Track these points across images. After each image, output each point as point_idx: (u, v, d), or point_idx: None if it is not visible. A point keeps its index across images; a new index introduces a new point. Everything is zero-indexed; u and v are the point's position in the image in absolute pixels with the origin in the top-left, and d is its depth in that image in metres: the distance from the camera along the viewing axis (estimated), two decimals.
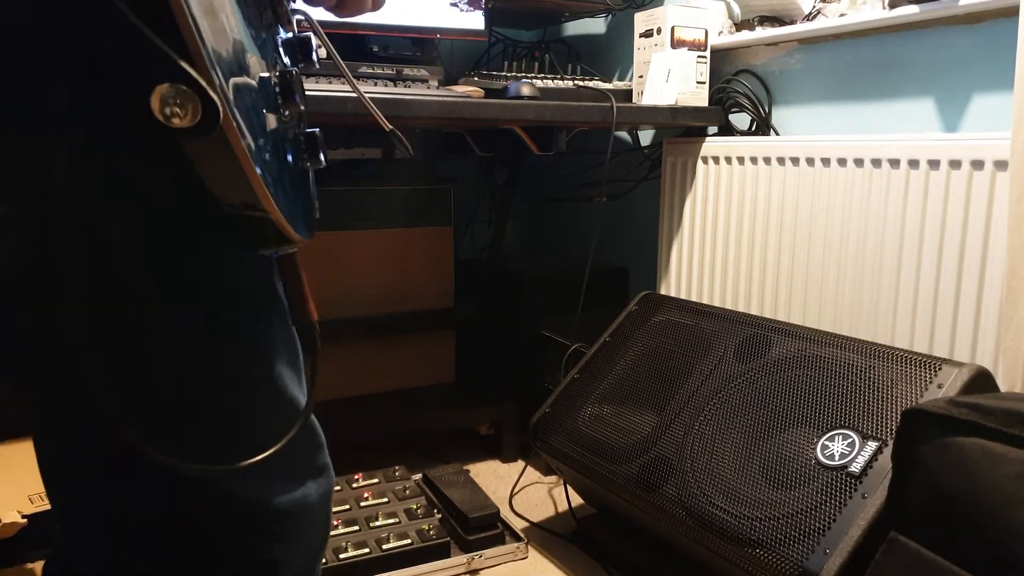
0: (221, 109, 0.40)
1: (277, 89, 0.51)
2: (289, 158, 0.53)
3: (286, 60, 0.58)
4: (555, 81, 1.61)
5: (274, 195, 0.46)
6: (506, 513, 1.48)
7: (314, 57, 0.59)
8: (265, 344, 0.54)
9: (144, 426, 0.47)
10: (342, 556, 1.21)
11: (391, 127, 0.73)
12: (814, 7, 1.42)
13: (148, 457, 0.46)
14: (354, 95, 1.17)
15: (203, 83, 0.39)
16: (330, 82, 1.29)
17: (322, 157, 0.56)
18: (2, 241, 0.45)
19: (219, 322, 0.51)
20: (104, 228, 0.45)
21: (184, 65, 0.38)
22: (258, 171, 0.44)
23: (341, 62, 0.65)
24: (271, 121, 0.50)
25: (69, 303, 0.45)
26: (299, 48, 0.59)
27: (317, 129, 0.56)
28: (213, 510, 0.53)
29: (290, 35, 0.59)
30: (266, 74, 0.51)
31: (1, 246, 0.45)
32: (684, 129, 1.70)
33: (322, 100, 1.14)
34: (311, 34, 0.60)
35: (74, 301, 0.45)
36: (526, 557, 1.35)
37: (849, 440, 1.00)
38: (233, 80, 0.43)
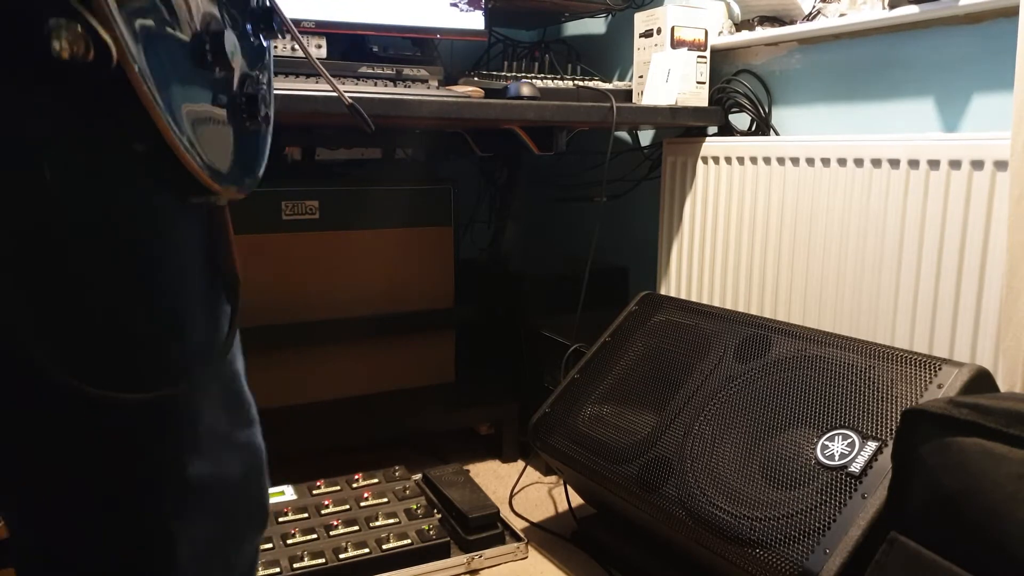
0: (114, 49, 0.43)
1: (207, 47, 0.53)
2: (225, 114, 0.55)
3: (247, 27, 0.60)
4: (555, 81, 1.61)
5: (188, 140, 0.49)
6: (506, 513, 1.48)
7: (274, 26, 0.61)
8: (186, 294, 0.55)
9: (55, 353, 0.48)
10: (342, 556, 1.21)
11: (350, 101, 0.74)
12: (814, 7, 1.42)
13: (52, 375, 0.47)
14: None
15: (94, 22, 0.42)
16: (319, 81, 1.29)
17: (261, 118, 0.59)
18: None
19: (135, 260, 0.51)
20: (35, 165, 0.46)
21: (76, 5, 0.41)
22: (167, 117, 0.47)
23: (294, 29, 0.67)
24: (199, 77, 0.52)
25: None
26: (260, 16, 0.61)
27: (262, 88, 0.59)
28: (123, 473, 0.53)
29: (253, 3, 0.60)
30: (201, 32, 0.53)
31: None
32: (684, 129, 1.70)
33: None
34: (269, 5, 0.62)
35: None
36: (526, 557, 1.35)
37: (849, 440, 1.00)
38: (140, 23, 0.45)
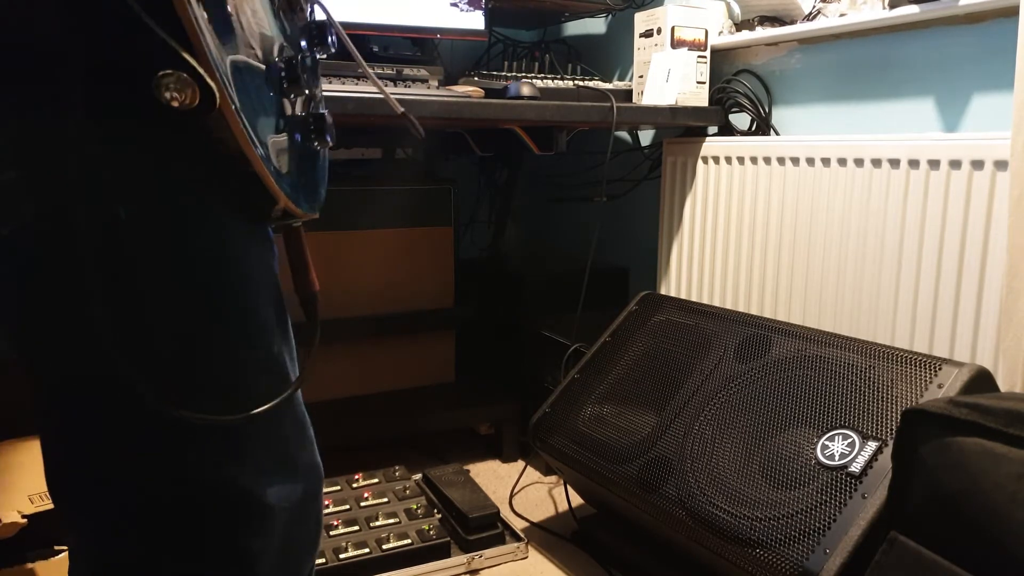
0: (218, 94, 0.44)
1: (283, 74, 0.54)
2: (297, 137, 0.56)
3: (303, 44, 0.60)
4: (555, 81, 1.61)
5: (275, 170, 0.50)
6: (506, 513, 1.48)
7: (329, 41, 0.61)
8: (261, 317, 0.56)
9: (149, 387, 0.49)
10: (342, 556, 1.21)
11: (403, 109, 0.75)
12: (814, 7, 1.42)
13: (157, 406, 0.48)
14: (355, 95, 1.17)
15: (201, 70, 0.43)
16: (330, 82, 1.29)
17: (329, 138, 0.59)
18: (12, 206, 0.48)
19: (219, 295, 0.53)
20: (111, 203, 0.48)
21: (184, 54, 0.43)
22: (259, 151, 0.48)
23: (350, 43, 0.66)
24: (277, 104, 0.53)
25: (83, 274, 0.48)
26: (315, 32, 0.61)
27: (325, 112, 0.59)
28: (209, 494, 0.54)
29: (306, 21, 0.61)
30: (275, 58, 0.53)
31: (11, 211, 0.48)
32: (684, 129, 1.70)
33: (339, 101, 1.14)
34: (323, 21, 0.62)
35: (86, 273, 0.48)
36: (526, 557, 1.35)
37: (849, 440, 1.00)
38: (232, 61, 0.47)
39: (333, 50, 0.62)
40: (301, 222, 0.58)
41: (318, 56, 0.62)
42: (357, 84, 1.43)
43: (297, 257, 0.60)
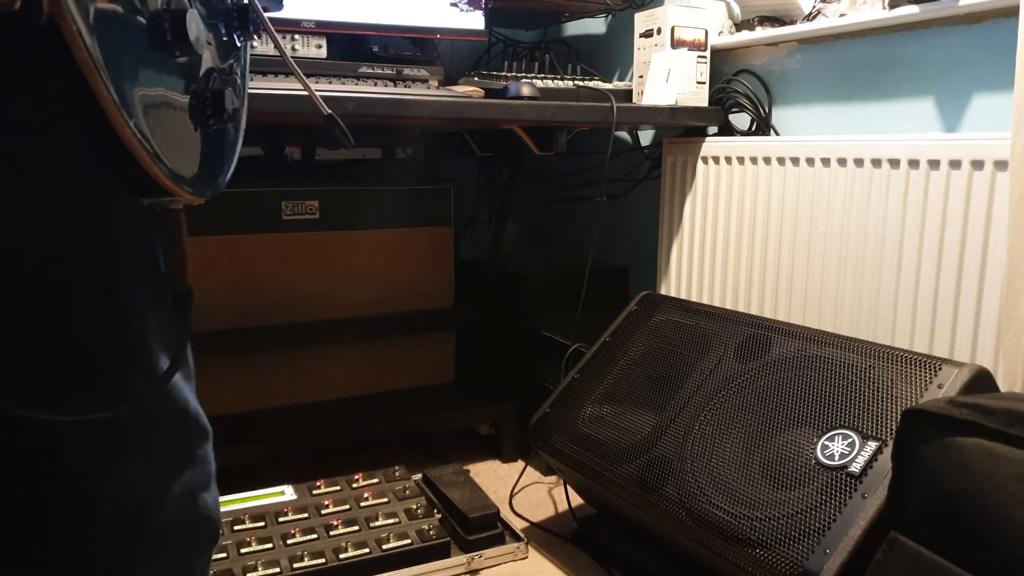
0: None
1: (167, 25, 0.47)
2: (185, 106, 0.50)
3: (221, 27, 0.55)
4: (555, 81, 1.61)
5: (138, 130, 0.43)
6: (506, 513, 1.48)
7: (251, 26, 0.56)
8: (132, 294, 0.51)
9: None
10: (342, 556, 1.21)
11: (329, 111, 0.71)
12: (814, 7, 1.42)
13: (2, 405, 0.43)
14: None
15: None
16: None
17: (227, 115, 0.53)
18: None
19: (83, 263, 0.47)
20: None
21: None
22: (111, 90, 0.41)
23: (271, 29, 0.61)
24: (163, 66, 0.47)
25: None
26: (236, 15, 0.56)
27: (227, 89, 0.53)
28: (65, 493, 0.49)
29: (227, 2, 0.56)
30: (161, 11, 0.47)
31: None
32: (684, 129, 1.70)
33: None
34: (244, 3, 0.57)
35: None
36: (526, 557, 1.35)
37: (849, 440, 1.00)
38: (96, 5, 0.40)
39: (257, 37, 0.57)
40: (180, 204, 0.51)
41: (242, 42, 0.57)
42: (357, 84, 1.43)
43: (175, 244, 0.53)
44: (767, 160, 1.45)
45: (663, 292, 1.71)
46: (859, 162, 1.29)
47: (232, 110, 0.54)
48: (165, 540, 0.55)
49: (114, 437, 0.50)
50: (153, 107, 0.46)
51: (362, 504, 1.36)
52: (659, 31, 1.54)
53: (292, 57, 1.34)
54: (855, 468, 0.96)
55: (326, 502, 1.35)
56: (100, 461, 0.50)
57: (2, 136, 0.42)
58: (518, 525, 1.44)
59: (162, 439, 0.55)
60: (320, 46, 1.47)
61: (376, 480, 1.45)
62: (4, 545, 0.49)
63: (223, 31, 0.56)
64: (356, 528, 1.29)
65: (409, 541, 1.26)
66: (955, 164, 1.16)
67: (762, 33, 1.50)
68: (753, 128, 1.58)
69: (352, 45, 1.56)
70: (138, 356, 0.51)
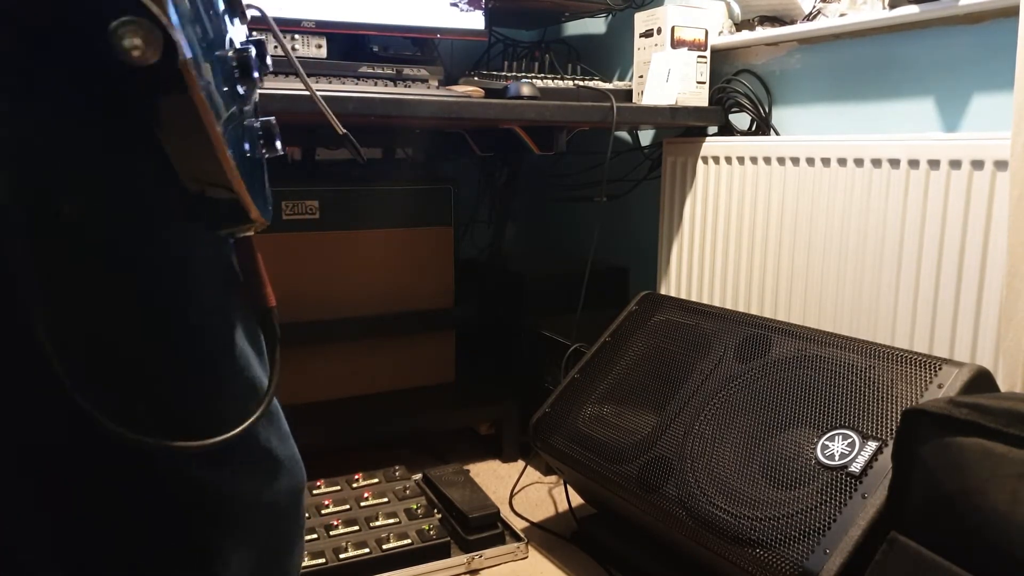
0: (180, 50, 0.38)
1: (234, 65, 0.48)
2: (246, 145, 0.51)
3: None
4: (555, 81, 1.61)
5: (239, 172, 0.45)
6: (506, 513, 1.48)
7: (268, 61, 0.56)
8: (226, 322, 0.52)
9: (101, 401, 0.44)
10: (342, 556, 1.21)
11: (344, 130, 0.71)
12: (814, 7, 1.42)
13: (106, 428, 0.43)
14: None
15: (164, 19, 0.38)
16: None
17: (278, 145, 0.54)
18: None
19: (176, 300, 0.49)
20: (56, 197, 0.43)
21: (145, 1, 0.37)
22: (228, 149, 0.43)
23: (294, 58, 0.62)
24: (230, 101, 0.48)
25: (18, 272, 0.42)
26: (256, 48, 0.56)
27: (272, 117, 0.54)
28: (170, 492, 0.50)
29: (242, 38, 0.56)
30: (223, 52, 0.48)
31: None
32: (684, 129, 1.70)
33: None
34: (262, 38, 0.57)
35: (23, 270, 0.42)
36: (526, 557, 1.35)
37: (849, 440, 1.00)
38: (190, 31, 0.41)
39: (269, 70, 0.57)
40: (252, 231, 0.53)
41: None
42: (357, 84, 1.43)
43: (252, 269, 0.55)
44: (767, 160, 1.45)
45: (663, 292, 1.71)
46: (859, 162, 1.29)
47: (276, 139, 0.56)
48: (272, 534, 0.58)
49: (230, 449, 0.52)
50: (238, 153, 0.47)
51: (362, 504, 1.36)
52: (659, 31, 1.54)
53: (303, 58, 1.34)
54: (855, 468, 0.96)
55: (326, 502, 1.35)
56: (217, 470, 0.52)
57: (120, 180, 0.44)
58: (518, 525, 1.44)
59: (266, 442, 0.58)
60: (320, 46, 1.47)
61: (376, 480, 1.45)
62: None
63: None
64: (356, 528, 1.29)
65: (409, 541, 1.26)
66: (955, 164, 1.16)
67: (762, 33, 1.50)
68: (753, 128, 1.58)
69: (352, 45, 1.56)
70: (243, 377, 0.53)
